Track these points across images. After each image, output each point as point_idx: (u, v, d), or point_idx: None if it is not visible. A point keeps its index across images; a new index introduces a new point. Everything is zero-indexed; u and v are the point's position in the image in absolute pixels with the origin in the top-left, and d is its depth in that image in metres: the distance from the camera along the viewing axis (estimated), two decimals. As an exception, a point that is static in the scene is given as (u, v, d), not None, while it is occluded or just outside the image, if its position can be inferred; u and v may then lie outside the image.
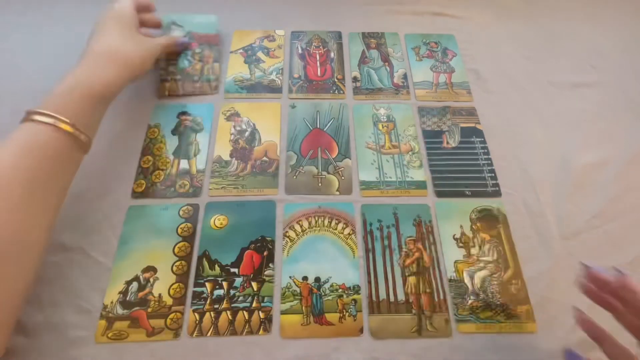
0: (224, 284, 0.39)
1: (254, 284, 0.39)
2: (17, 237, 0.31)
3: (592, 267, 0.31)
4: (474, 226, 0.43)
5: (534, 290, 0.39)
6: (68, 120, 0.36)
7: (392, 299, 0.38)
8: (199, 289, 0.38)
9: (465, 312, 0.38)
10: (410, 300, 0.38)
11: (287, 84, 0.53)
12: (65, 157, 0.36)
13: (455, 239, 0.42)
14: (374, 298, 0.38)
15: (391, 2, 0.62)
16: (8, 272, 0.31)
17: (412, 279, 0.39)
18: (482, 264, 0.40)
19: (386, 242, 0.41)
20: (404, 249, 0.41)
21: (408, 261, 0.40)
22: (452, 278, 0.40)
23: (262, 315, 0.37)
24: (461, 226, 0.43)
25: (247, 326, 0.37)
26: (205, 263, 0.40)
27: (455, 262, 0.40)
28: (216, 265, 0.40)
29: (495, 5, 0.63)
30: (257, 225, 0.42)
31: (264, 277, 0.39)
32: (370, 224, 0.42)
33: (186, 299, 0.38)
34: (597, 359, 0.30)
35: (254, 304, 0.38)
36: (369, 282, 0.39)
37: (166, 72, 0.52)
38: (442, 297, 0.39)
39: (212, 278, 0.39)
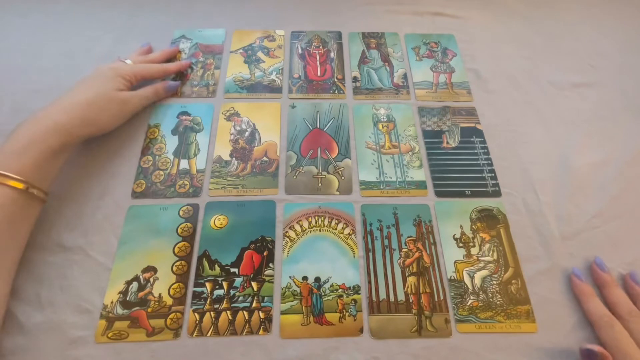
0: (224, 284, 0.39)
1: (254, 284, 0.39)
2: None
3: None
4: (474, 226, 0.43)
5: (534, 290, 0.39)
6: (20, 178, 0.35)
7: (392, 299, 0.38)
8: (199, 289, 0.38)
9: (465, 312, 0.38)
10: (411, 300, 0.38)
11: (287, 84, 0.53)
12: (18, 215, 0.36)
13: (455, 239, 0.42)
14: (374, 298, 0.38)
15: (391, 2, 0.62)
16: None
17: (412, 279, 0.39)
18: (482, 264, 0.40)
19: (386, 242, 0.41)
20: (404, 249, 0.41)
21: (408, 261, 0.40)
22: (452, 278, 0.39)
23: (262, 315, 0.37)
24: (461, 226, 0.43)
25: (247, 326, 0.37)
26: (205, 263, 0.40)
27: (455, 262, 0.40)
28: (216, 265, 0.40)
29: (495, 5, 0.63)
30: (257, 225, 0.42)
31: (264, 277, 0.39)
32: (370, 224, 0.42)
33: (186, 299, 0.38)
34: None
35: (254, 304, 0.38)
36: (369, 282, 0.39)
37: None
38: (442, 297, 0.39)
39: (212, 278, 0.39)
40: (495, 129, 0.50)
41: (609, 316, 0.36)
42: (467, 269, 0.40)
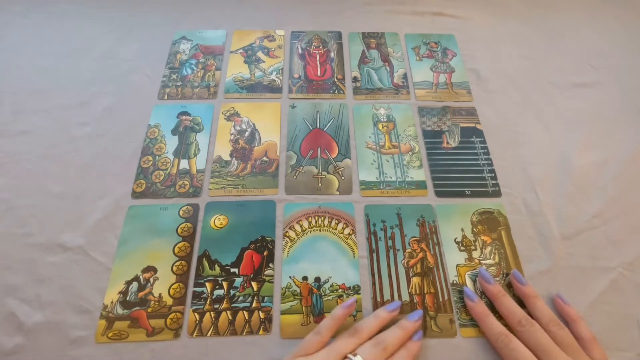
0: (224, 284, 0.39)
1: (254, 284, 0.39)
2: None
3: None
4: (474, 229, 0.42)
5: (534, 290, 0.39)
6: None
7: (396, 299, 0.38)
8: (199, 289, 0.38)
9: (468, 316, 0.37)
10: (415, 301, 0.38)
11: (287, 84, 0.53)
12: None
13: (457, 242, 0.42)
14: (378, 299, 0.38)
15: (391, 2, 0.62)
16: None
17: (416, 280, 0.39)
18: (484, 267, 0.40)
19: (390, 243, 0.41)
20: (408, 250, 0.41)
21: (412, 262, 0.40)
22: (455, 282, 0.39)
23: (262, 315, 0.37)
24: (462, 229, 0.42)
25: (247, 326, 0.37)
26: (205, 263, 0.40)
27: (457, 265, 0.40)
28: (216, 265, 0.40)
29: (495, 5, 0.63)
30: (257, 225, 0.42)
31: (264, 277, 0.39)
32: (374, 225, 0.42)
33: (186, 299, 0.38)
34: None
35: (254, 304, 0.38)
36: (373, 283, 0.39)
37: (168, 79, 0.52)
38: (446, 297, 0.38)
39: (212, 278, 0.39)
40: (495, 129, 0.50)
41: (505, 334, 0.34)
42: (469, 272, 0.40)
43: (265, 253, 0.40)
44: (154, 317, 0.37)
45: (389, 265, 0.40)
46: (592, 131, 0.50)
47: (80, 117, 0.49)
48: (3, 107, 0.49)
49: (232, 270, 0.39)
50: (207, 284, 0.39)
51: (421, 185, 0.45)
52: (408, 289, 0.39)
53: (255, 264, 0.40)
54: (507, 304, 0.36)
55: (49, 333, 0.36)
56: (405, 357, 0.33)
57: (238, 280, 0.39)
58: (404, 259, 0.41)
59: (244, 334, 0.36)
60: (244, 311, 0.37)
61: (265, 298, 0.38)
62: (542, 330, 0.34)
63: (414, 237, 0.42)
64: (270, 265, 0.40)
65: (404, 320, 0.36)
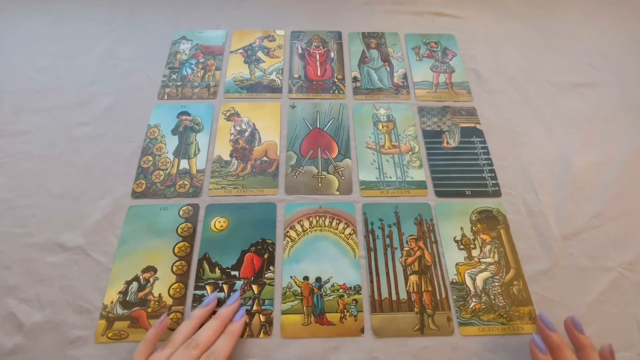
0: (225, 286, 0.39)
1: (255, 287, 0.39)
2: None
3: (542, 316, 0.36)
4: (474, 228, 0.43)
5: (534, 290, 0.39)
6: None
7: (394, 297, 0.38)
8: (199, 292, 0.38)
9: (467, 314, 0.38)
10: (413, 299, 0.38)
11: (287, 84, 0.53)
12: None
13: (456, 241, 0.42)
14: (376, 297, 0.38)
15: (391, 2, 0.62)
16: None
17: (413, 278, 0.39)
18: (483, 266, 0.40)
19: (388, 241, 0.41)
20: (406, 248, 0.41)
21: (410, 260, 0.40)
22: (454, 281, 0.39)
23: (262, 318, 0.37)
24: (461, 228, 0.42)
25: (247, 329, 0.37)
26: (206, 266, 0.40)
27: (457, 264, 0.40)
28: (217, 268, 0.40)
29: (495, 5, 0.63)
30: (258, 228, 0.42)
31: (265, 280, 0.39)
32: (372, 223, 0.42)
33: (186, 301, 0.38)
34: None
35: (255, 307, 0.38)
36: (371, 281, 0.39)
37: (168, 79, 0.52)
38: (443, 295, 0.39)
39: (213, 281, 0.39)
40: (495, 129, 0.50)
41: None
42: (468, 271, 0.40)
43: (265, 256, 0.40)
44: (154, 317, 0.37)
45: (386, 264, 0.40)
46: (592, 131, 0.50)
47: (80, 117, 0.49)
48: (3, 107, 0.49)
49: (233, 273, 0.39)
50: (207, 286, 0.39)
51: (421, 185, 0.45)
52: (406, 287, 0.39)
53: (256, 266, 0.40)
54: (569, 358, 0.33)
55: (48, 333, 0.36)
56: (226, 342, 0.33)
57: (239, 283, 0.39)
58: (401, 257, 0.41)
59: (244, 337, 0.36)
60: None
61: (266, 301, 0.38)
62: None
63: (412, 235, 0.42)
64: (271, 268, 0.40)
65: (221, 308, 0.36)
